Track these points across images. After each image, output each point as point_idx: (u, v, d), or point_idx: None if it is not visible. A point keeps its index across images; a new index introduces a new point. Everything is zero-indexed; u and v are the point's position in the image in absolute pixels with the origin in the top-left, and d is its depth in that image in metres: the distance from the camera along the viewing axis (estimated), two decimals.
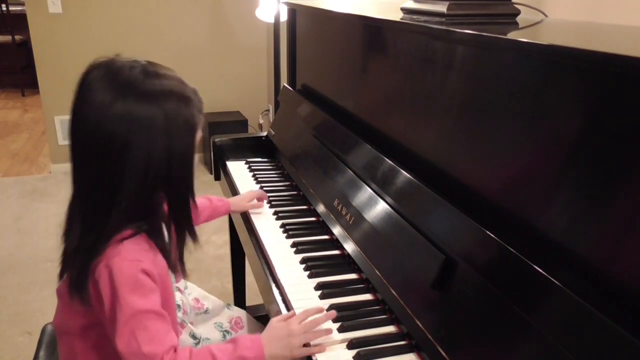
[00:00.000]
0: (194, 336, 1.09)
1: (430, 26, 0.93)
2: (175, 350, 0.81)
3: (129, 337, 0.77)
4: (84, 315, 0.85)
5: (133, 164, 0.77)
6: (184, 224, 0.88)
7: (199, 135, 0.87)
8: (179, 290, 1.12)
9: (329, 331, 0.88)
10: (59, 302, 0.91)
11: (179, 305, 1.04)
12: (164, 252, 0.86)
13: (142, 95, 0.77)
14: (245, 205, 1.33)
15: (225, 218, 1.86)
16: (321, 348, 0.86)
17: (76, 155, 0.81)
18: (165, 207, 0.87)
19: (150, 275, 0.80)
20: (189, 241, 0.90)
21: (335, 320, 0.92)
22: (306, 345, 0.87)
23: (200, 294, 1.20)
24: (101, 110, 0.76)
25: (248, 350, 0.83)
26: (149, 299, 0.80)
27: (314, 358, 0.85)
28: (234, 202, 1.34)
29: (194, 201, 0.88)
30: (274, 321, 0.89)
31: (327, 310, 0.94)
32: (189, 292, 1.17)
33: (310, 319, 0.88)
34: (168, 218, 0.87)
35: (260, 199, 1.37)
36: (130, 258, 0.79)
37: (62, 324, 0.90)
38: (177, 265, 0.90)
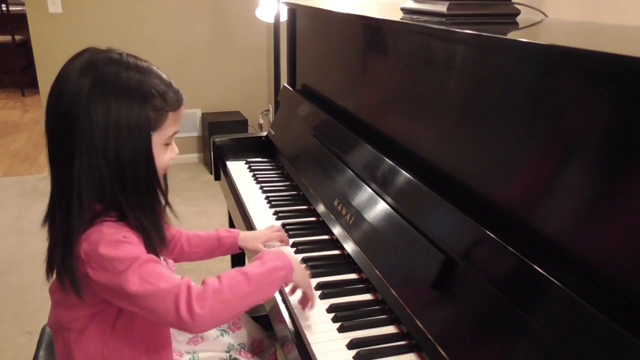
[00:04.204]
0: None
1: (430, 26, 0.93)
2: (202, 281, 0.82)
3: (141, 282, 0.77)
4: (75, 308, 0.85)
5: (83, 147, 0.78)
6: (149, 224, 0.86)
7: (168, 131, 0.86)
8: None
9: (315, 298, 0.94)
10: (52, 301, 0.92)
11: None
12: (147, 242, 0.86)
13: (95, 79, 0.78)
14: (259, 247, 1.14)
15: (226, 218, 1.86)
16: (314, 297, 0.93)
17: (47, 138, 0.83)
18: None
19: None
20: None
21: (335, 320, 0.92)
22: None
23: None
24: (60, 80, 0.79)
25: (275, 261, 0.87)
26: (144, 252, 0.81)
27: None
28: (246, 238, 1.16)
29: (167, 203, 0.89)
30: None
31: (328, 310, 0.94)
32: None
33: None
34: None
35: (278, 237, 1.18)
36: (111, 232, 0.80)
37: (56, 322, 0.91)
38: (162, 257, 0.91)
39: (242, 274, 0.83)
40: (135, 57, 0.85)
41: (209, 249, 1.16)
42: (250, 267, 0.86)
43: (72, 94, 0.78)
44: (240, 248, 1.16)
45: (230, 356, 1.06)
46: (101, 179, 0.80)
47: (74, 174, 0.79)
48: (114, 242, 0.79)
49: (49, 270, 0.85)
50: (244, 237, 1.16)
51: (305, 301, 0.93)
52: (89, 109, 0.77)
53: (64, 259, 0.81)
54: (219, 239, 1.15)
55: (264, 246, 1.15)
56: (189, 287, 0.78)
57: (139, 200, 0.84)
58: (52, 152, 0.83)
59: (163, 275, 0.79)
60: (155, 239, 0.87)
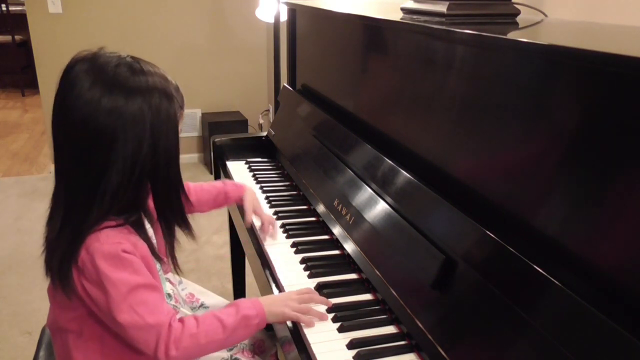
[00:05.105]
0: None
1: (430, 26, 0.93)
2: (180, 319, 0.85)
3: (130, 312, 0.80)
4: (73, 309, 0.85)
5: (118, 159, 0.79)
6: (173, 218, 0.90)
7: (179, 130, 0.90)
8: (170, 282, 1.10)
9: (323, 316, 0.92)
10: (50, 301, 0.92)
11: (169, 294, 1.04)
12: (148, 242, 0.88)
13: (129, 92, 0.80)
14: (248, 213, 1.25)
15: (226, 218, 1.86)
16: (310, 321, 0.91)
17: (60, 146, 0.82)
18: (151, 202, 0.88)
19: (132, 254, 0.83)
20: (180, 236, 0.93)
21: (335, 320, 0.92)
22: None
23: (195, 290, 1.19)
24: (90, 105, 0.78)
25: (249, 309, 0.90)
26: (140, 273, 0.83)
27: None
28: (246, 199, 1.28)
29: (185, 195, 0.90)
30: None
31: (328, 310, 0.94)
32: (183, 287, 1.16)
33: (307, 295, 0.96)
34: (155, 212, 0.89)
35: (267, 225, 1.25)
36: (109, 241, 0.81)
37: (54, 322, 0.91)
38: (163, 258, 0.93)
39: (218, 320, 0.87)
40: (147, 62, 0.87)
41: (217, 203, 1.29)
42: (226, 313, 0.89)
43: (108, 113, 0.78)
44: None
45: (231, 356, 1.06)
46: (135, 185, 0.82)
47: (103, 182, 0.79)
48: (112, 256, 0.80)
49: (47, 263, 0.86)
50: (245, 197, 1.27)
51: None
52: (127, 122, 0.79)
53: (61, 264, 0.81)
54: (226, 193, 1.28)
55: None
56: (170, 327, 0.83)
57: (169, 199, 0.88)
58: (72, 163, 0.81)
59: (150, 306, 0.82)
60: (183, 230, 0.92)
